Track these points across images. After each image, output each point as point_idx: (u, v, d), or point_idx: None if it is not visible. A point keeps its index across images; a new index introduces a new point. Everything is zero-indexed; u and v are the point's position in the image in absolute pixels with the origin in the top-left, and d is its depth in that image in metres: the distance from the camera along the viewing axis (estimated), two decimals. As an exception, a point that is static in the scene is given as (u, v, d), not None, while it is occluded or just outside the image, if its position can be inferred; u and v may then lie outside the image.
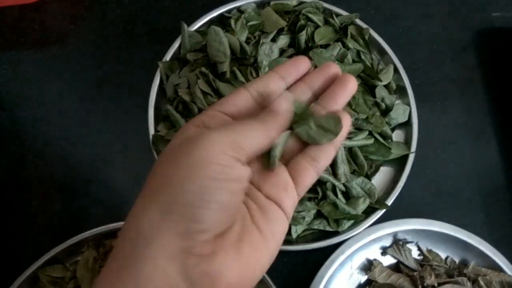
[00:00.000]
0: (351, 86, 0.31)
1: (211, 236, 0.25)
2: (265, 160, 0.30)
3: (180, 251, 0.24)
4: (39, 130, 0.54)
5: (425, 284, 0.48)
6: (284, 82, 0.32)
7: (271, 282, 0.46)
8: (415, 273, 0.49)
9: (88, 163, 0.53)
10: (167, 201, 0.25)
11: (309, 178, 0.30)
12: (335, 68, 0.32)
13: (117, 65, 0.57)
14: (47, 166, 0.53)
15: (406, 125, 0.56)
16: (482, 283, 0.49)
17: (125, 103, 0.55)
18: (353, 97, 0.52)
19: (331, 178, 0.49)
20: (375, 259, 0.51)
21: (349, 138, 0.51)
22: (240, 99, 0.31)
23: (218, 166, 0.25)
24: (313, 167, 0.30)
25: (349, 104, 0.52)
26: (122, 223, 0.47)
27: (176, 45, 0.55)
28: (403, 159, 0.54)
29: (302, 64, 0.33)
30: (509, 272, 0.50)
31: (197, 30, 0.56)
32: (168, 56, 0.54)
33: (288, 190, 0.30)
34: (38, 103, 0.55)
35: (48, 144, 0.53)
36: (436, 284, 0.48)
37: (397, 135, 0.56)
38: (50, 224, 0.50)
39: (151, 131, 0.51)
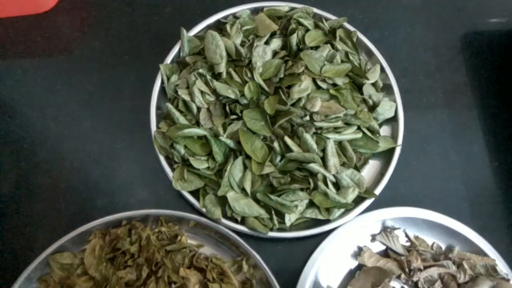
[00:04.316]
0: None
1: None
2: None
3: None
4: (49, 129, 0.58)
5: (411, 267, 0.51)
6: None
7: (266, 268, 0.49)
8: (402, 258, 0.52)
9: (94, 159, 0.56)
10: None
11: None
12: None
13: (121, 69, 0.61)
14: (56, 163, 0.56)
15: (392, 121, 0.59)
16: (466, 266, 0.52)
17: (129, 103, 0.59)
18: (342, 94, 0.56)
19: (321, 170, 0.53)
20: (364, 246, 0.54)
21: (338, 132, 0.55)
22: None
23: None
24: None
25: (338, 101, 0.55)
26: (126, 213, 0.51)
27: (176, 49, 0.59)
28: (390, 152, 0.57)
29: None
30: (492, 257, 0.53)
31: (195, 35, 0.60)
32: (168, 59, 0.58)
33: None
34: (47, 105, 0.59)
35: (57, 142, 0.57)
36: (422, 267, 0.51)
37: (384, 131, 0.59)
38: (59, 215, 0.53)
39: (153, 128, 0.55)
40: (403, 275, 0.51)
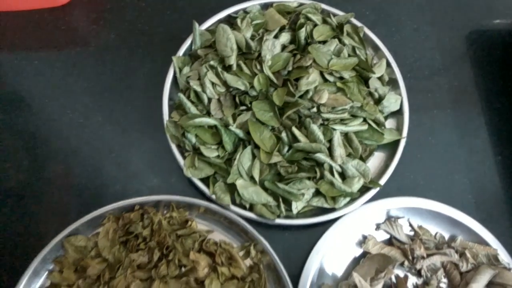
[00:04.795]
0: None
1: None
2: None
3: None
4: (65, 118, 0.60)
5: (415, 255, 0.52)
6: None
7: (273, 253, 0.51)
8: (406, 246, 0.53)
9: (108, 148, 0.58)
10: None
11: None
12: None
13: (135, 61, 0.63)
14: (71, 151, 0.58)
15: (398, 114, 0.61)
16: (468, 255, 0.53)
17: (142, 94, 0.61)
18: (348, 87, 0.57)
19: (328, 160, 0.54)
20: (369, 234, 0.55)
21: (344, 124, 0.56)
22: None
23: None
24: None
25: (344, 93, 0.57)
26: (139, 198, 0.52)
27: (188, 42, 0.61)
28: (395, 145, 0.58)
29: None
30: (494, 247, 0.54)
31: (207, 29, 0.62)
32: (181, 52, 0.60)
33: None
34: (63, 95, 0.61)
35: (72, 131, 0.59)
36: (425, 255, 0.52)
37: (390, 123, 0.61)
38: (73, 200, 0.55)
39: (165, 118, 0.56)
40: (406, 263, 0.53)
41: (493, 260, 0.53)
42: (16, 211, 0.55)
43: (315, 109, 0.56)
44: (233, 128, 0.54)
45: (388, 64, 0.62)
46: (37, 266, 0.49)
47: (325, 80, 0.58)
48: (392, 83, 0.62)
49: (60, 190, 0.56)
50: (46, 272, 0.50)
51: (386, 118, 0.60)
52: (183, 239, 0.52)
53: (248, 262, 0.53)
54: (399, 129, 0.60)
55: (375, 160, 0.59)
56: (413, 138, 0.60)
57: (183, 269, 0.51)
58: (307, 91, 0.56)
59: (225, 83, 0.56)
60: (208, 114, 0.56)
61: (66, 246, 0.50)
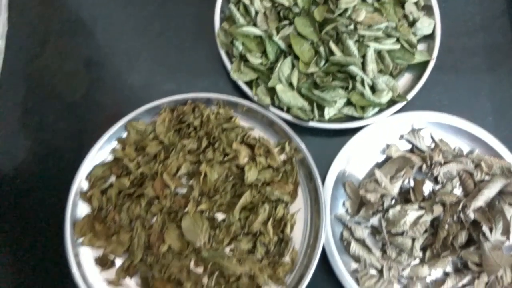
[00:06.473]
0: None
1: None
2: None
3: None
4: (125, 25, 0.68)
5: (433, 161, 0.58)
6: None
7: (305, 150, 0.57)
8: (425, 153, 0.59)
9: (164, 53, 0.66)
10: None
11: None
12: None
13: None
14: (135, 52, 0.66)
15: (430, 39, 0.65)
16: (484, 166, 0.58)
17: (197, 6, 0.68)
18: (385, 8, 0.62)
19: (360, 73, 0.59)
20: (392, 143, 0.61)
21: (378, 42, 0.61)
22: None
23: None
24: None
25: (380, 13, 0.61)
26: (191, 94, 0.60)
27: (240, -39, 0.66)
28: (424, 66, 0.63)
29: None
30: (510, 161, 0.59)
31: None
32: (232, -29, 0.66)
33: None
34: (128, 5, 0.68)
35: (133, 38, 0.67)
36: (442, 162, 0.58)
37: (421, 47, 0.65)
38: (135, 94, 0.64)
39: (217, 27, 0.63)
40: (424, 168, 0.58)
41: (507, 172, 0.58)
42: (86, 102, 0.64)
43: (352, 27, 0.61)
44: (276, 39, 0.60)
45: (425, -8, 0.66)
46: (103, 144, 0.58)
47: (364, 0, 0.62)
48: (427, 9, 0.66)
49: (123, 86, 0.64)
50: (111, 149, 0.59)
51: (418, 41, 0.64)
52: (227, 132, 0.59)
53: (282, 157, 0.60)
54: (430, 53, 0.64)
55: (404, 79, 0.64)
56: (442, 62, 0.64)
57: (226, 157, 0.58)
58: (346, 9, 0.60)
59: (271, -1, 0.62)
60: (255, 25, 0.62)
61: (128, 128, 0.59)
